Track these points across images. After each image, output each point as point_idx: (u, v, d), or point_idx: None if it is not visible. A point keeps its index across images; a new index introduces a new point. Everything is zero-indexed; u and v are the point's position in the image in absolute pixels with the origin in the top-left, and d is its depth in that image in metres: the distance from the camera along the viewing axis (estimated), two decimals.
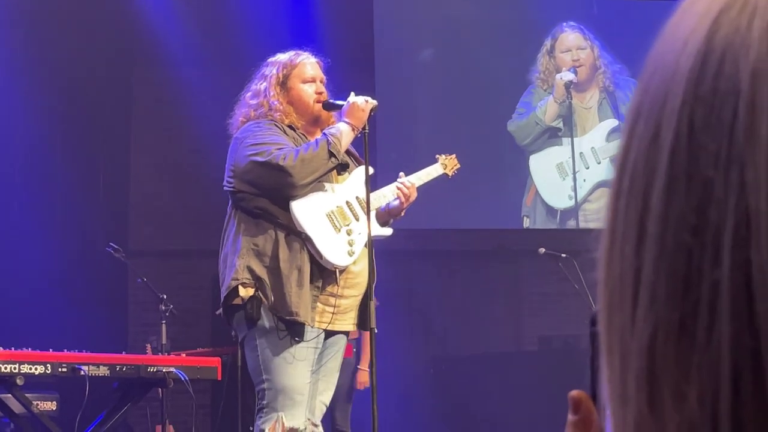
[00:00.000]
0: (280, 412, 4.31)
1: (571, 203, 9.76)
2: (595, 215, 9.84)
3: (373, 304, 4.37)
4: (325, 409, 4.59)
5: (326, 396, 4.56)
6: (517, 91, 9.90)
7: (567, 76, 9.83)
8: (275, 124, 4.48)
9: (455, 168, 5.04)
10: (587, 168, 9.80)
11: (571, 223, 9.77)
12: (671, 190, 0.51)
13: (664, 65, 0.54)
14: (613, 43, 10.03)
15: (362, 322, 4.53)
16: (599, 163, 9.83)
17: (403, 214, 4.72)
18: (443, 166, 4.99)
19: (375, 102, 4.53)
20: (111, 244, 6.54)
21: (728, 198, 0.49)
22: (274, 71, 4.58)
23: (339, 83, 4.82)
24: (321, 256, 4.33)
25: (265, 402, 4.35)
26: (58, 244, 8.20)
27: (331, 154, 4.34)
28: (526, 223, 9.70)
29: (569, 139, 9.82)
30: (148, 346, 7.49)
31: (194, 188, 9.07)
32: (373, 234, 4.42)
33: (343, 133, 4.41)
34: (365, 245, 4.45)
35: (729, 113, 0.50)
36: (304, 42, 5.00)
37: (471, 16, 10.02)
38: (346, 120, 4.45)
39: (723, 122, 0.50)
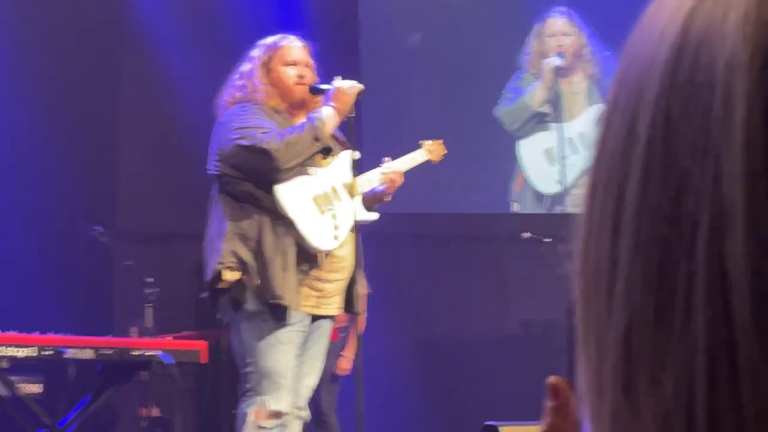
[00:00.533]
0: (264, 395, 4.32)
1: (559, 189, 9.77)
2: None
3: (359, 287, 4.38)
4: (310, 393, 4.60)
5: (312, 380, 4.58)
6: (505, 77, 9.89)
7: (554, 61, 9.83)
8: (260, 108, 4.48)
9: (442, 153, 5.04)
10: (575, 153, 9.81)
11: (559, 209, 9.78)
12: (647, 181, 0.52)
13: (640, 57, 0.55)
14: (603, 28, 10.03)
15: (348, 305, 4.54)
16: (588, 148, 9.83)
17: (388, 199, 4.73)
18: (428, 152, 5.00)
19: (361, 86, 4.54)
20: (97, 227, 6.52)
21: (704, 189, 0.50)
22: (259, 53, 4.60)
23: (324, 66, 4.81)
24: (305, 239, 4.33)
25: (249, 385, 4.37)
26: (43, 225, 8.17)
27: (316, 138, 4.35)
28: (515, 208, 9.71)
29: (557, 124, 9.82)
30: (134, 329, 7.48)
31: (181, 170, 9.04)
32: (358, 219, 4.43)
33: (328, 117, 4.41)
34: (350, 230, 4.46)
35: (705, 104, 0.51)
36: (290, 24, 5.01)
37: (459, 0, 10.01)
38: (332, 104, 4.45)
39: (699, 113, 0.51)
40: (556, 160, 9.77)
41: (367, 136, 8.76)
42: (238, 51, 4.72)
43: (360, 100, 4.58)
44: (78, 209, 8.63)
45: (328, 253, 4.41)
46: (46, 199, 8.29)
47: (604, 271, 0.53)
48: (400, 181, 4.67)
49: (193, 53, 9.02)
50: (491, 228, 9.69)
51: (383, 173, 4.66)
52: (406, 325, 9.27)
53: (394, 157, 4.88)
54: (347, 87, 4.47)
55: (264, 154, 4.28)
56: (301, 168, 4.42)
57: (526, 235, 7.42)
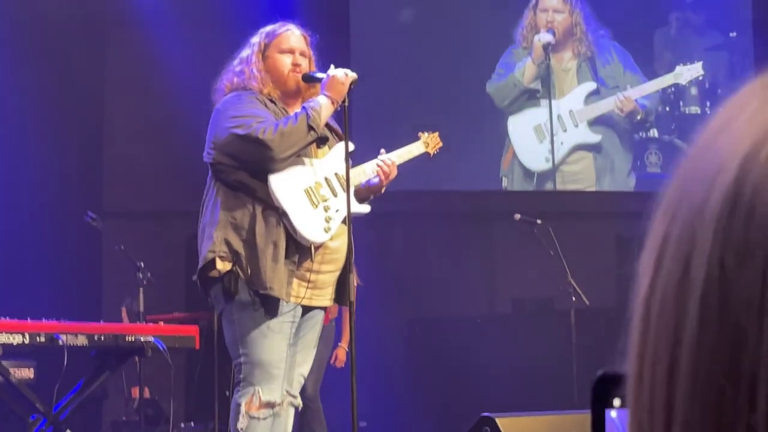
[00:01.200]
0: (257, 386, 4.33)
1: (548, 166, 9.77)
2: (572, 177, 9.86)
3: (352, 278, 4.38)
4: (303, 381, 4.63)
5: (304, 368, 4.59)
6: (497, 52, 9.87)
7: (545, 37, 9.80)
8: (256, 97, 4.47)
9: (437, 146, 5.03)
10: (565, 131, 9.81)
11: (548, 186, 9.79)
12: (703, 332, 0.52)
13: (692, 201, 0.55)
14: (598, 6, 10.02)
15: (339, 296, 4.55)
16: (577, 126, 9.84)
17: (383, 191, 4.72)
18: (425, 144, 4.99)
19: (355, 75, 4.51)
20: (88, 212, 6.52)
21: (762, 348, 0.50)
22: (258, 40, 4.59)
23: (314, 47, 4.80)
24: (296, 231, 4.33)
25: (242, 376, 4.38)
26: (32, 206, 8.16)
27: (311, 128, 4.33)
28: (504, 183, 9.71)
29: (547, 101, 9.81)
30: (124, 309, 7.49)
31: (169, 149, 9.02)
32: (351, 211, 4.42)
33: (322, 106, 4.40)
34: (343, 221, 4.45)
35: (760, 264, 0.51)
36: (278, 8, 4.97)
37: None
38: (326, 93, 4.44)
39: (754, 272, 0.51)
40: (545, 136, 9.77)
41: (358, 120, 8.75)
42: (226, 29, 4.69)
43: (351, 83, 4.55)
44: (67, 191, 8.60)
45: (318, 246, 4.41)
46: (36, 183, 8.26)
47: (660, 412, 0.54)
48: (394, 173, 4.67)
49: (180, 31, 8.98)
50: (481, 206, 9.70)
51: (378, 165, 4.65)
52: (396, 303, 9.29)
53: (385, 140, 4.88)
54: (341, 75, 4.46)
55: (259, 143, 4.27)
56: (296, 159, 4.41)
57: (518, 216, 7.43)
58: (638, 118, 9.93)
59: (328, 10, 9.22)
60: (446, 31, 9.79)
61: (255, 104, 4.43)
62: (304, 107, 4.40)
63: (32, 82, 8.50)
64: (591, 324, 8.21)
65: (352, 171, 4.50)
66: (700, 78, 10.02)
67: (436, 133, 5.04)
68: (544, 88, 9.83)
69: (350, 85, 4.48)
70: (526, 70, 9.83)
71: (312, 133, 4.34)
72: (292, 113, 4.47)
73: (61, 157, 8.66)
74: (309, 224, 4.38)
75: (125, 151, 9.30)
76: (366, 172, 4.66)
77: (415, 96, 9.53)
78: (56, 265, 7.96)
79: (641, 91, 9.94)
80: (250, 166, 4.37)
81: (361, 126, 8.16)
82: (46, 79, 8.61)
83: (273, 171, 4.35)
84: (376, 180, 4.67)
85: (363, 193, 4.68)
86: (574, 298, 7.39)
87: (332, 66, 4.53)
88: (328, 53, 4.84)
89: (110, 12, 9.08)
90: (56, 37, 8.68)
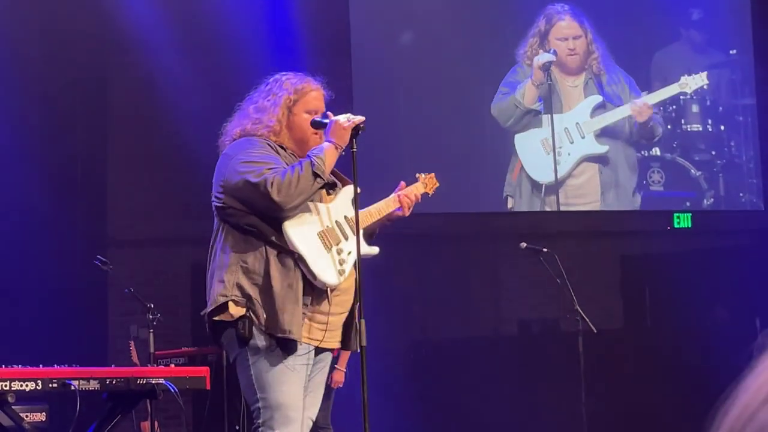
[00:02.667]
0: (276, 430, 4.34)
1: (554, 178, 9.79)
2: (576, 192, 9.88)
3: (362, 322, 4.39)
4: (311, 424, 4.62)
5: (312, 411, 4.60)
6: (501, 72, 9.90)
7: (544, 57, 9.83)
8: (267, 143, 4.48)
9: (434, 186, 5.10)
10: (572, 143, 9.84)
11: (551, 200, 9.79)
12: None
13: None
14: (601, 26, 10.07)
15: (345, 341, 4.57)
16: (583, 137, 9.87)
17: (391, 221, 4.81)
18: (424, 185, 5.04)
19: (359, 118, 4.51)
20: (98, 257, 6.54)
21: None
22: (285, 93, 4.56)
23: (315, 69, 4.81)
24: (315, 276, 4.35)
25: (260, 421, 4.38)
26: (36, 239, 8.16)
27: (316, 175, 4.34)
28: (510, 203, 9.73)
29: (552, 115, 9.84)
30: (132, 342, 7.50)
31: (172, 177, 9.04)
32: (361, 253, 4.44)
33: (326, 152, 4.40)
34: (353, 264, 4.48)
35: None
36: (279, 33, 4.96)
37: (449, 4, 9.99)
38: (330, 139, 4.44)
39: None
40: (552, 149, 9.80)
41: (361, 142, 8.76)
42: (230, 57, 4.69)
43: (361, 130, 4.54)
44: (71, 219, 8.60)
45: (333, 288, 4.43)
46: (39, 213, 8.25)
47: None
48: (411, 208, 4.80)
49: (182, 60, 8.99)
50: (486, 227, 9.72)
51: (406, 195, 4.76)
52: (402, 325, 9.30)
53: (390, 170, 4.93)
54: (343, 121, 4.46)
55: (268, 194, 4.27)
56: (306, 204, 4.43)
57: (523, 245, 7.45)
58: (651, 129, 9.97)
59: (330, 35, 9.25)
60: (450, 51, 9.81)
61: (267, 150, 4.44)
62: (308, 155, 4.40)
63: (35, 112, 8.51)
64: (597, 345, 8.22)
65: (360, 214, 4.52)
66: (705, 87, 10.05)
67: (432, 174, 5.10)
68: (546, 106, 9.86)
69: (358, 129, 4.48)
70: (526, 92, 9.86)
71: (318, 180, 4.35)
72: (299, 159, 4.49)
73: (65, 186, 8.66)
74: (325, 268, 4.40)
75: (128, 179, 9.31)
76: (372, 214, 4.69)
77: (418, 118, 9.55)
78: (63, 302, 7.96)
79: (648, 100, 9.98)
80: (259, 212, 4.38)
81: (366, 146, 8.17)
82: (49, 109, 8.62)
83: (282, 219, 4.37)
84: (399, 212, 4.75)
85: (376, 224, 4.73)
86: (581, 326, 7.40)
87: (330, 114, 4.54)
88: (330, 77, 4.85)
89: (113, 39, 9.09)
90: (59, 67, 8.70)
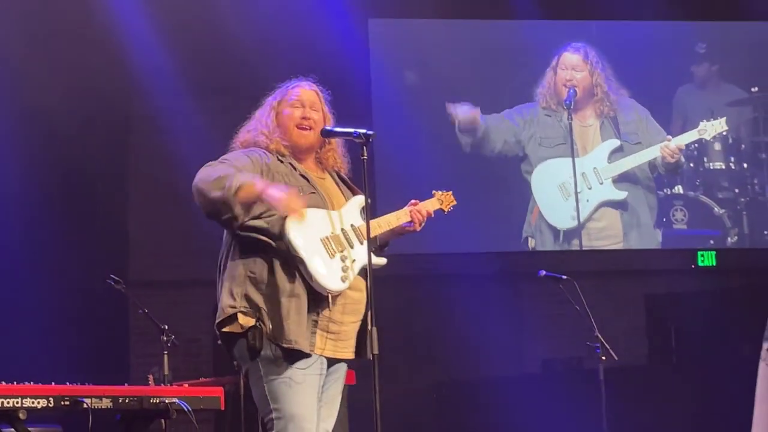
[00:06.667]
0: None
1: (574, 224, 9.76)
2: (599, 234, 9.83)
3: (374, 330, 4.34)
4: None
5: (329, 423, 4.55)
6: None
7: (462, 110, 9.94)
8: (258, 154, 4.48)
9: (451, 204, 5.03)
10: (590, 188, 9.81)
11: (575, 243, 9.75)
12: None
13: None
14: (617, 64, 10.09)
15: (359, 349, 4.52)
16: (602, 183, 9.84)
17: (402, 235, 4.77)
18: (439, 201, 4.98)
19: (300, 209, 4.32)
20: (111, 275, 6.53)
21: None
22: (271, 98, 4.65)
23: (335, 108, 4.83)
24: (312, 277, 4.31)
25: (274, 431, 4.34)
26: (58, 277, 8.17)
27: (224, 188, 4.25)
28: (531, 243, 9.70)
29: (569, 159, 9.83)
30: (151, 377, 7.45)
31: (193, 218, 9.04)
32: (368, 263, 4.40)
33: (249, 183, 4.27)
34: (359, 273, 4.44)
35: None
36: (302, 69, 4.99)
37: (469, 41, 10.05)
38: (257, 187, 4.25)
39: None
40: (570, 194, 9.77)
41: (378, 174, 8.77)
42: (248, 99, 4.72)
43: (372, 141, 4.55)
44: (92, 259, 8.63)
45: (336, 294, 4.38)
46: (60, 252, 8.29)
47: None
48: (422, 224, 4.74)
49: (202, 101, 9.06)
50: (508, 266, 9.67)
51: (417, 210, 4.72)
52: (424, 364, 9.25)
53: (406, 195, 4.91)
54: (274, 192, 4.24)
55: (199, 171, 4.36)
56: (313, 210, 4.41)
57: (542, 273, 7.40)
58: (676, 163, 9.94)
59: (349, 76, 9.29)
60: (468, 89, 9.86)
61: (242, 156, 4.45)
62: (238, 176, 4.30)
63: (56, 154, 8.57)
64: (622, 384, 8.12)
65: (369, 224, 4.49)
66: (724, 133, 10.02)
67: (450, 192, 5.04)
68: (565, 145, 9.86)
69: (368, 138, 4.48)
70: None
71: (218, 193, 4.26)
72: (302, 168, 4.50)
73: (86, 227, 8.70)
74: (326, 272, 4.35)
75: (149, 220, 9.34)
76: (381, 225, 4.66)
77: (436, 155, 9.56)
78: (84, 336, 7.97)
79: (669, 144, 9.96)
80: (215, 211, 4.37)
81: (383, 184, 8.18)
82: (69, 150, 8.68)
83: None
84: (410, 226, 4.71)
85: (387, 235, 4.69)
86: (604, 357, 7.30)
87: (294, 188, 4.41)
88: (349, 114, 4.87)
89: (133, 81, 9.17)
90: (79, 109, 8.77)
